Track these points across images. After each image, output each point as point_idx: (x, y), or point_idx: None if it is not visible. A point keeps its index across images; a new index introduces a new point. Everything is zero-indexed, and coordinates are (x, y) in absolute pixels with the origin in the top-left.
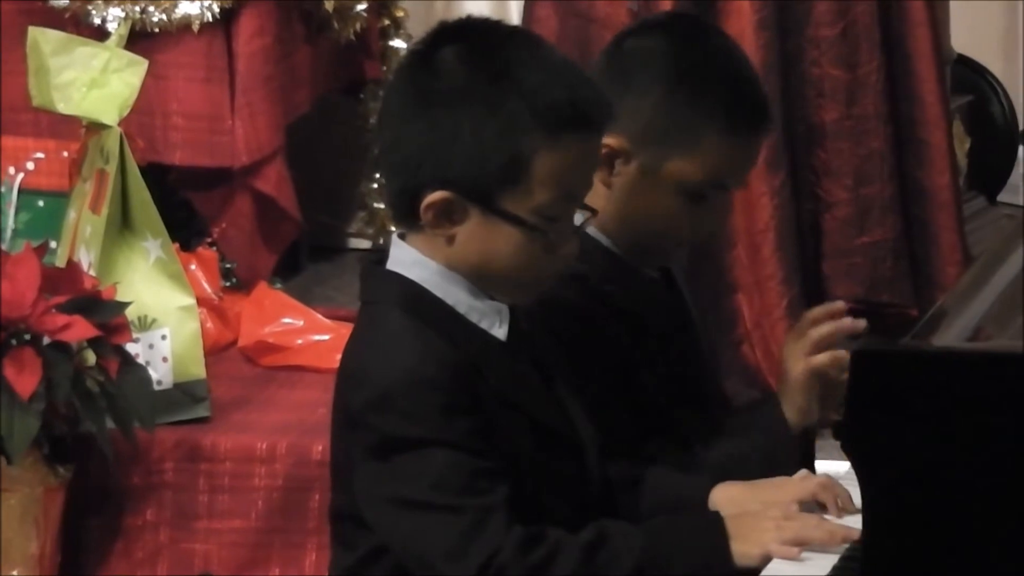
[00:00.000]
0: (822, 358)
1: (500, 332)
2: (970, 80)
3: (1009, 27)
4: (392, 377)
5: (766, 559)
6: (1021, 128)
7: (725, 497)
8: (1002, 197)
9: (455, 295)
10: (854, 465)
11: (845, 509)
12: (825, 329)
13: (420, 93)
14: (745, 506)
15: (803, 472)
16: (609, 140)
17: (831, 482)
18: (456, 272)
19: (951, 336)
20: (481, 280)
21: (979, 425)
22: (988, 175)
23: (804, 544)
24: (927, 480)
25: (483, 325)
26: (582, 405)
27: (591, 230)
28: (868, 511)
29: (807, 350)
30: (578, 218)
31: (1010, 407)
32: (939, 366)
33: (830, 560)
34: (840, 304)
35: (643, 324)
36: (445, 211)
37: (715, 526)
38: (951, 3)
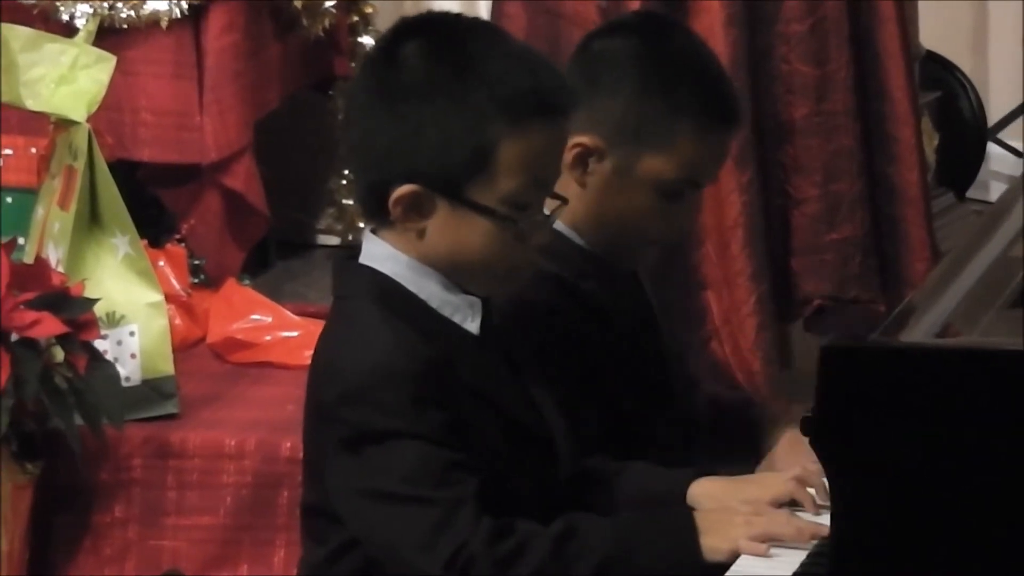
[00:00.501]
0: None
1: (472, 326)
2: (939, 76)
3: (977, 24)
4: (364, 370)
5: (735, 554)
6: (990, 124)
7: (704, 492)
8: (971, 193)
9: (427, 289)
10: (822, 461)
11: (823, 506)
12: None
13: (385, 88)
14: (724, 502)
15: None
16: (583, 139)
17: (810, 477)
18: (429, 266)
19: (920, 333)
20: (454, 273)
21: (947, 421)
22: (957, 171)
23: (773, 540)
24: (895, 476)
25: (455, 319)
26: (553, 400)
27: (564, 230)
28: (836, 507)
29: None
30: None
31: (978, 403)
32: (907, 363)
33: (799, 556)
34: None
35: (614, 321)
36: (414, 204)
37: (685, 521)
38: (920, 0)
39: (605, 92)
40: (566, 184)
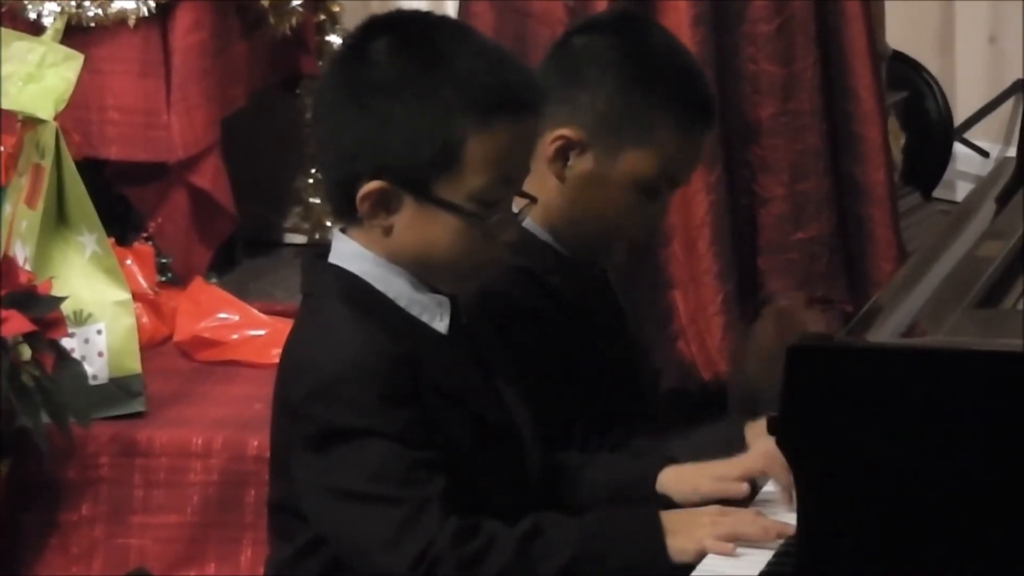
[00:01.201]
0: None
1: (441, 325)
2: (905, 76)
3: (944, 24)
4: (332, 368)
5: (701, 554)
6: (956, 124)
7: (672, 478)
8: (937, 193)
9: (396, 287)
10: (789, 460)
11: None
12: None
13: (353, 85)
14: (694, 483)
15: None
16: (565, 131)
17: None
18: (396, 263)
19: (886, 332)
20: (421, 270)
21: (914, 421)
22: (923, 171)
23: (738, 540)
24: (862, 475)
25: (424, 318)
26: (521, 397)
27: (534, 227)
28: (803, 505)
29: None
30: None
31: (943, 402)
32: (874, 362)
33: (766, 556)
34: None
35: (584, 317)
36: (381, 201)
37: (651, 521)
38: (886, 0)
39: (588, 86)
40: (544, 179)
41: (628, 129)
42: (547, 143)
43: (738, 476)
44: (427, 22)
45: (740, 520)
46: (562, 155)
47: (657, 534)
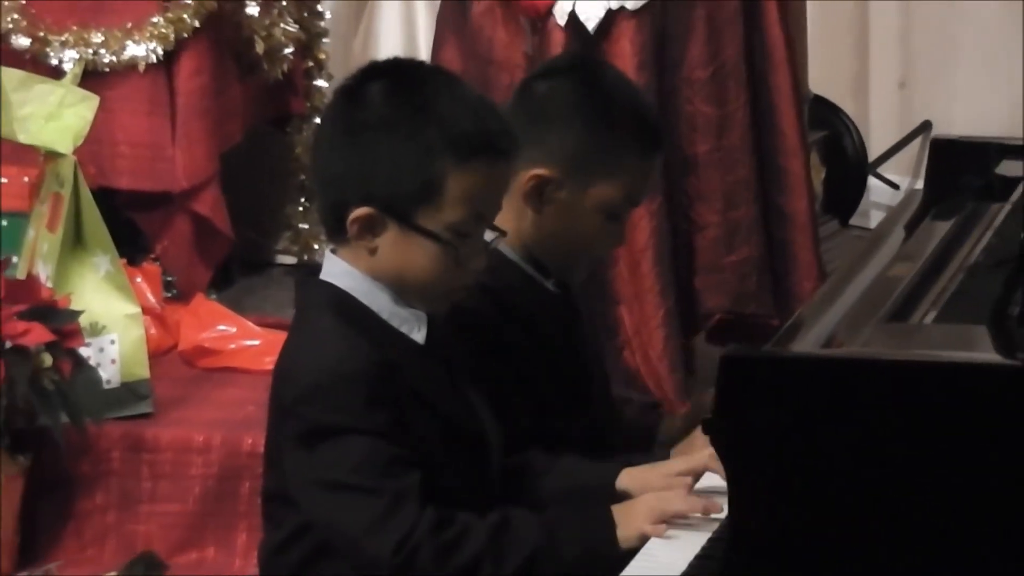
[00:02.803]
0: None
1: (419, 336)
2: (825, 117)
3: (859, 70)
4: (319, 373)
5: (644, 539)
6: (870, 160)
7: (631, 478)
8: (853, 221)
9: (379, 302)
10: (721, 457)
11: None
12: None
13: (349, 121)
14: (649, 481)
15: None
16: (539, 171)
17: None
18: (379, 280)
19: (808, 343)
20: (399, 288)
21: (831, 421)
22: (841, 201)
23: (669, 518)
24: (786, 471)
25: (403, 330)
26: (487, 403)
27: (507, 249)
28: (734, 497)
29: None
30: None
31: (858, 405)
32: (797, 369)
33: (701, 540)
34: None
35: (540, 332)
36: (367, 225)
37: (602, 515)
38: (808, 47)
39: (555, 129)
40: (518, 209)
41: (596, 164)
42: (523, 181)
43: (683, 472)
44: (419, 70)
45: (671, 500)
46: (538, 191)
47: (608, 528)
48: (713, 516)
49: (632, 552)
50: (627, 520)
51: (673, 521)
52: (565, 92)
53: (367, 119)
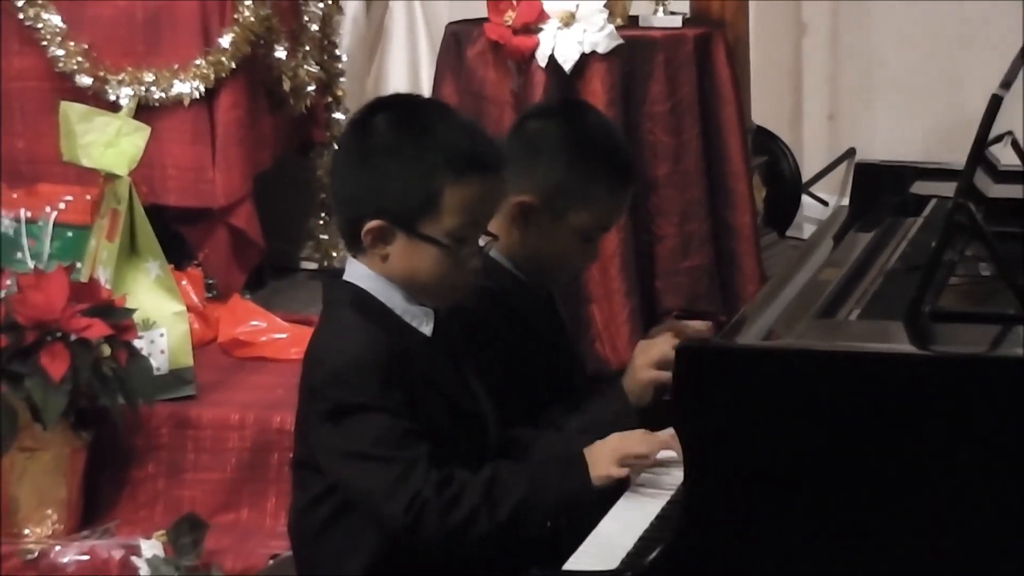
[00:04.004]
0: (663, 376)
1: (426, 329)
2: (765, 144)
3: (795, 104)
4: (343, 360)
5: (610, 479)
6: (804, 181)
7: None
8: (790, 232)
9: (393, 300)
10: (679, 432)
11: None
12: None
13: (360, 147)
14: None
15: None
16: (524, 198)
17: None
18: (392, 282)
19: (751, 336)
20: (409, 287)
21: (771, 402)
22: (779, 216)
23: (630, 458)
24: (734, 444)
25: (413, 324)
26: (484, 387)
27: (499, 257)
28: (689, 467)
29: (655, 363)
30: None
31: (794, 391)
32: (741, 359)
33: (660, 502)
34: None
35: (529, 327)
36: (380, 235)
37: (577, 461)
38: (752, 85)
39: (542, 163)
40: (508, 226)
41: (573, 195)
42: (511, 204)
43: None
44: (417, 102)
45: (633, 443)
46: (522, 215)
47: (582, 471)
48: (668, 487)
49: (605, 493)
50: (597, 463)
51: (636, 466)
52: (552, 131)
53: (375, 145)
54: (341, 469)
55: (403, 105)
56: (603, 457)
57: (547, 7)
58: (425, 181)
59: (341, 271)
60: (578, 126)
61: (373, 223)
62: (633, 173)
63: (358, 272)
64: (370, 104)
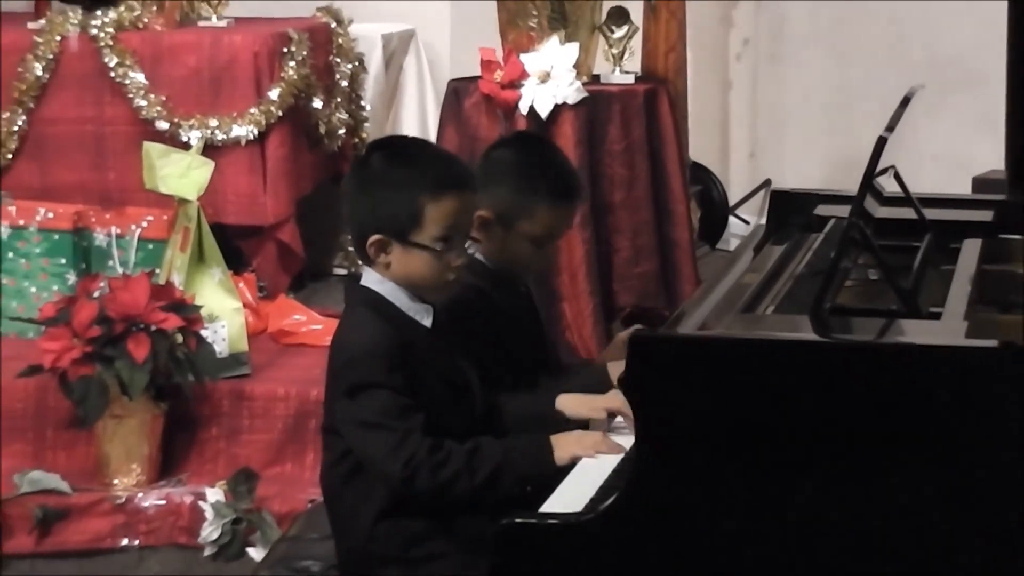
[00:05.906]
0: None
1: (426, 322)
2: (700, 176)
3: (723, 144)
4: (358, 348)
5: (573, 461)
6: (731, 205)
7: (565, 399)
8: (719, 246)
9: (399, 299)
10: (630, 401)
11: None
12: None
13: (362, 179)
14: (578, 408)
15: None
16: (483, 213)
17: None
18: (397, 284)
19: (689, 326)
20: (409, 287)
21: (706, 381)
22: (711, 233)
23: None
24: (679, 419)
25: (416, 318)
26: (473, 368)
27: (483, 258)
28: (639, 436)
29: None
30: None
31: (724, 372)
32: (682, 345)
33: (616, 459)
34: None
35: (512, 317)
36: (380, 247)
37: (544, 443)
38: (689, 129)
39: (500, 185)
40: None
41: (521, 209)
42: (475, 217)
43: (603, 407)
44: (405, 142)
45: (593, 442)
46: (482, 226)
47: (548, 451)
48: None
49: (562, 470)
50: (562, 447)
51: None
52: (505, 158)
53: (372, 176)
54: (354, 435)
55: (393, 144)
56: (567, 445)
57: (528, 67)
58: (411, 201)
59: (359, 277)
60: (525, 154)
61: (374, 238)
62: (574, 192)
63: (371, 278)
64: (368, 145)
